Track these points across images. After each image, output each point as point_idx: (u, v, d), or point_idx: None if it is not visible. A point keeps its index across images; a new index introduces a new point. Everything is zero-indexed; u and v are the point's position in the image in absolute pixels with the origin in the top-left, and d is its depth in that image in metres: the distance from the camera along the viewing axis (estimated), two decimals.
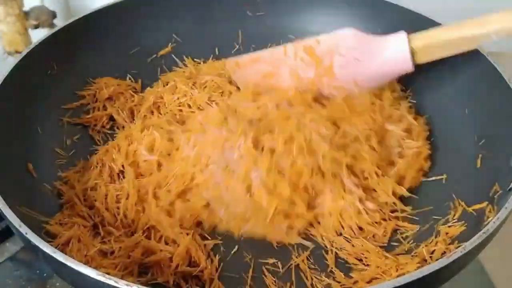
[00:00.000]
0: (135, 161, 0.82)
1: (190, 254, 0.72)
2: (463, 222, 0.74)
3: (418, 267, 0.67)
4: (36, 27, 1.09)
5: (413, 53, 0.82)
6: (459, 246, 0.61)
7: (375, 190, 0.79)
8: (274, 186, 0.75)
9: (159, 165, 0.81)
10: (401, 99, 0.92)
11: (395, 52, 0.83)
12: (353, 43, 0.85)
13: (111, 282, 0.55)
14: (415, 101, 0.94)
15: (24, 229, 0.62)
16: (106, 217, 0.76)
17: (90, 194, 0.79)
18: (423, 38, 0.82)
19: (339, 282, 0.72)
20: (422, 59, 0.83)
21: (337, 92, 0.87)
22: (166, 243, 0.74)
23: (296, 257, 0.75)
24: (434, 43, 0.82)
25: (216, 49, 1.03)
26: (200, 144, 0.80)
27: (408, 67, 0.83)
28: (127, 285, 0.55)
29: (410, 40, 0.82)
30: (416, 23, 0.94)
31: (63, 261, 0.58)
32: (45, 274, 0.82)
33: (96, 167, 0.82)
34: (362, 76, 0.86)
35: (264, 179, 0.75)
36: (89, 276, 0.57)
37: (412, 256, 0.73)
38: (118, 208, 0.77)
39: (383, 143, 0.83)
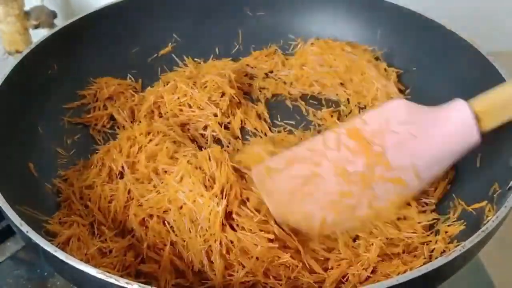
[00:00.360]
0: (134, 164, 0.81)
1: (177, 266, 0.71)
2: (462, 221, 0.74)
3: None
4: (37, 27, 1.09)
5: (477, 119, 0.70)
6: (458, 245, 0.61)
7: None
8: (235, 264, 0.69)
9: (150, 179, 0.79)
10: None
11: (457, 122, 0.70)
12: (407, 115, 0.73)
13: (111, 280, 0.56)
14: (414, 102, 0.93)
15: (25, 228, 0.62)
16: (98, 216, 0.76)
17: (86, 193, 0.79)
18: (484, 100, 0.71)
19: None
20: (489, 124, 0.70)
21: (393, 188, 0.73)
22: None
23: None
24: (499, 103, 0.71)
25: (217, 49, 1.03)
26: (181, 184, 0.74)
27: (474, 139, 0.70)
28: (127, 283, 0.55)
29: (471, 106, 0.70)
30: (416, 23, 0.95)
31: (64, 259, 0.59)
32: (45, 274, 0.83)
33: (96, 166, 0.82)
34: (421, 159, 0.73)
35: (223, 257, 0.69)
36: (89, 274, 0.57)
37: (411, 254, 0.73)
38: (109, 208, 0.77)
39: None
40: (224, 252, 0.70)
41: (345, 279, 0.70)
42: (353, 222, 0.73)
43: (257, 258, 0.69)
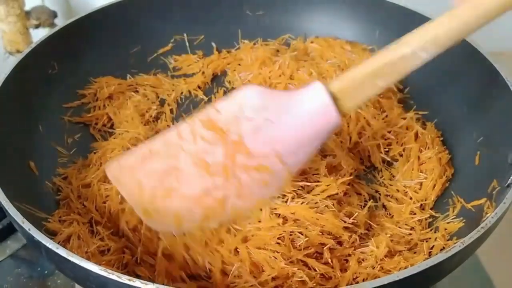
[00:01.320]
0: None
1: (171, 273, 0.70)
2: (461, 218, 0.75)
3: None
4: (37, 26, 1.09)
5: (335, 99, 0.66)
6: (458, 242, 0.62)
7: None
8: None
9: None
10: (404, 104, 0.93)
11: (313, 103, 0.67)
12: (260, 101, 0.69)
13: (113, 277, 0.56)
14: (412, 101, 0.94)
15: (27, 225, 0.63)
16: (94, 215, 0.76)
17: (83, 192, 0.79)
18: (341, 80, 0.68)
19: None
20: (348, 104, 0.67)
21: (259, 175, 0.69)
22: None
23: None
24: (357, 81, 0.67)
25: (216, 48, 1.03)
26: None
27: (334, 118, 0.67)
28: (129, 279, 0.55)
29: (327, 86, 0.67)
30: (415, 22, 0.95)
31: (66, 256, 0.59)
32: (46, 272, 0.83)
33: (94, 165, 0.82)
34: (282, 143, 0.69)
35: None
36: (91, 271, 0.57)
37: (411, 251, 0.73)
38: (105, 208, 0.76)
39: None
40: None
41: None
42: (227, 215, 0.70)
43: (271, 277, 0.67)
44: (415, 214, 0.78)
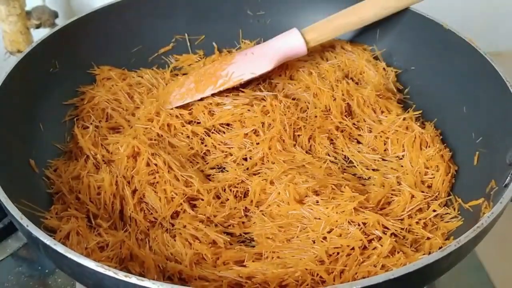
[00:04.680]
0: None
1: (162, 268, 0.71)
2: (460, 217, 0.75)
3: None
4: (38, 26, 1.09)
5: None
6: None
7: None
8: None
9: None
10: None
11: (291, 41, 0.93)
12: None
13: (110, 273, 0.56)
14: (412, 102, 0.94)
15: (25, 222, 0.63)
16: (91, 208, 0.76)
17: (74, 185, 0.79)
18: (312, 30, 0.94)
19: None
20: (312, 44, 0.94)
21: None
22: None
23: None
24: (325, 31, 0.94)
25: (216, 48, 1.04)
26: None
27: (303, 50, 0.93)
28: (125, 276, 0.55)
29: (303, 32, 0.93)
30: (415, 22, 0.95)
31: (63, 253, 0.59)
32: (46, 271, 0.83)
33: (81, 157, 0.83)
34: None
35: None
36: (89, 268, 0.57)
37: (412, 247, 0.73)
38: (99, 199, 0.77)
39: None
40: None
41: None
42: None
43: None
44: (417, 211, 0.78)
